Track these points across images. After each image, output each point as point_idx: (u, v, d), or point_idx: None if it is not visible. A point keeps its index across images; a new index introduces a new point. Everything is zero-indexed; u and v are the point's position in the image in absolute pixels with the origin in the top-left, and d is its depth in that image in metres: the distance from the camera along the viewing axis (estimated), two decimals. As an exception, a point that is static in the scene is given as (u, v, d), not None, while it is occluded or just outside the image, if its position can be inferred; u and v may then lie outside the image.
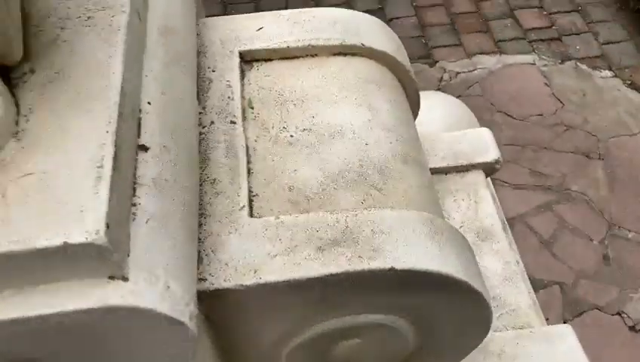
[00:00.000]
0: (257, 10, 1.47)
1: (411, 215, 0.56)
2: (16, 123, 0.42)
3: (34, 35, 0.48)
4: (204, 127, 0.61)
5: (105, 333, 0.40)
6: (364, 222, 0.55)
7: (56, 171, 0.40)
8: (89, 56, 0.47)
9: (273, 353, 0.60)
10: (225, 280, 0.50)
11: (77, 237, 0.36)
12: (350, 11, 0.75)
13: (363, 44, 0.72)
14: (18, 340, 0.39)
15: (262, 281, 0.50)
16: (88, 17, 0.50)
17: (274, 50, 0.70)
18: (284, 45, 0.70)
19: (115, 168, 0.40)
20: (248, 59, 0.70)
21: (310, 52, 0.71)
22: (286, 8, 0.77)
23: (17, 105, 0.43)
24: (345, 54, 0.72)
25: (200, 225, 0.54)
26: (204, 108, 0.63)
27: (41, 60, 0.46)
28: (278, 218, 0.55)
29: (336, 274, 0.52)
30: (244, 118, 0.64)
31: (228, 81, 0.66)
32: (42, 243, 0.36)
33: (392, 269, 0.52)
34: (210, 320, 0.52)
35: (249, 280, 0.50)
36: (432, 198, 0.65)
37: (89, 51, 0.47)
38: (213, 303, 0.51)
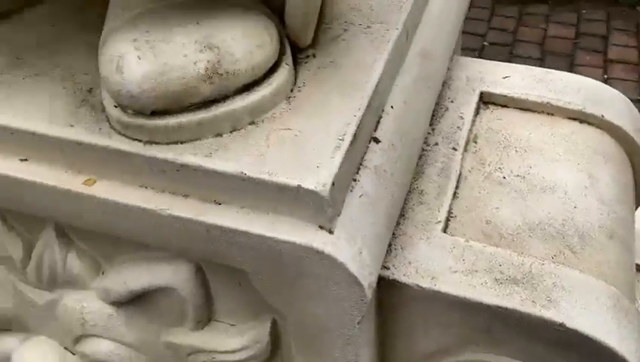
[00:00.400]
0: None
1: (598, 284, 0.56)
2: (291, 90, 0.53)
3: (322, 30, 0.59)
4: (427, 145, 0.68)
5: (300, 269, 0.48)
6: (547, 273, 0.56)
7: (309, 133, 0.49)
8: (359, 56, 0.56)
9: (422, 365, 0.64)
10: (404, 275, 0.56)
11: (308, 184, 0.45)
12: (597, 82, 0.76)
13: (602, 116, 0.72)
14: (238, 250, 0.49)
15: (436, 288, 0.55)
16: (367, 26, 0.60)
17: (512, 99, 0.75)
18: (524, 97, 0.74)
19: (351, 144, 0.49)
20: (486, 101, 0.76)
21: (547, 110, 0.74)
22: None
23: (296, 78, 0.54)
24: (581, 121, 0.73)
25: (398, 223, 0.60)
26: (433, 129, 0.70)
27: (322, 50, 0.57)
28: (468, 241, 0.59)
29: (506, 309, 0.54)
30: (465, 149, 0.69)
31: (462, 113, 0.72)
32: (283, 180, 0.46)
33: (562, 325, 0.53)
34: (381, 307, 0.58)
35: (425, 283, 0.55)
36: (628, 281, 0.63)
37: (360, 52, 0.57)
38: (388, 292, 0.57)
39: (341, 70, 0.55)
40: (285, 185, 0.46)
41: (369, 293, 0.48)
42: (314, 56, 0.57)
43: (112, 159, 0.51)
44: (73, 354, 0.68)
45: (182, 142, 0.49)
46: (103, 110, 0.53)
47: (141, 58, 0.46)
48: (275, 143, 0.49)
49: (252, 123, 0.51)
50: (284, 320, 0.57)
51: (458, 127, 0.71)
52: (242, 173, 0.47)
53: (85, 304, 0.62)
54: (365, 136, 0.53)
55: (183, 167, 0.49)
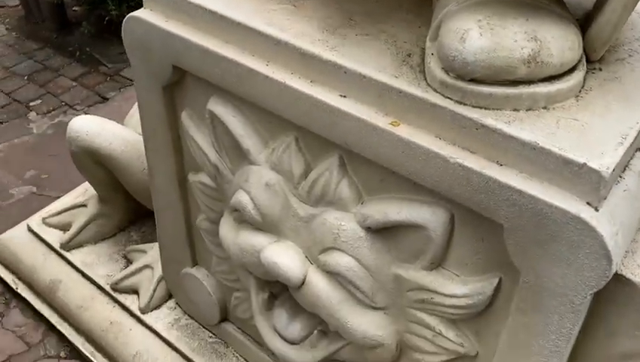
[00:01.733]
0: None
1: None
2: (579, 91, 0.63)
3: (608, 51, 0.68)
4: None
5: (558, 234, 0.57)
6: None
7: (593, 126, 0.59)
8: (641, 79, 0.65)
9: (613, 365, 0.70)
10: (632, 274, 0.63)
11: (593, 164, 0.55)
12: None
13: None
14: (506, 205, 0.60)
15: (659, 292, 0.62)
16: (650, 57, 0.68)
17: None
18: None
19: (630, 145, 0.58)
20: None
21: None
22: None
23: (584, 82, 0.64)
24: None
25: (630, 232, 0.67)
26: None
27: (608, 66, 0.67)
28: (697, 264, 0.64)
29: None
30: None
31: None
32: (570, 156, 0.56)
33: None
34: (597, 297, 0.66)
35: (649, 284, 0.62)
36: None
37: (642, 76, 0.65)
38: (610, 284, 0.64)
39: (624, 86, 0.64)
40: (572, 160, 0.56)
41: (611, 274, 0.57)
42: (600, 69, 0.66)
43: (422, 109, 0.64)
44: (311, 263, 0.83)
45: (485, 108, 0.61)
46: (421, 71, 0.66)
47: (482, 35, 0.58)
48: (564, 127, 0.59)
49: (545, 108, 0.61)
50: (513, 280, 0.66)
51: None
52: (535, 142, 0.57)
53: (343, 223, 0.76)
54: (636, 144, 0.61)
55: (483, 128, 0.60)
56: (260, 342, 1.16)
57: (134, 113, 1.40)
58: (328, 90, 0.71)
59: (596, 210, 0.56)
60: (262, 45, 0.75)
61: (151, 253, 1.33)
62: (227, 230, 0.93)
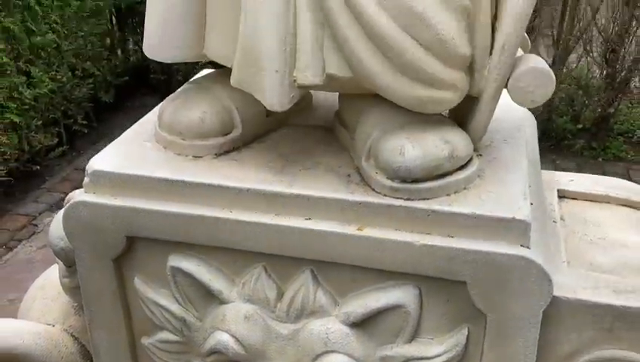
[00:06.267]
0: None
1: (678, 292, 0.87)
2: (478, 176, 0.87)
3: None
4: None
5: (508, 275, 0.78)
6: (644, 287, 0.87)
7: (501, 193, 0.83)
8: (508, 155, 0.92)
9: (560, 368, 0.90)
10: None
11: (520, 216, 0.77)
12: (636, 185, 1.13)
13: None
14: (467, 265, 0.79)
15: (575, 297, 0.85)
16: (504, 140, 0.96)
17: (579, 193, 1.10)
18: (587, 191, 1.10)
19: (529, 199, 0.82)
20: (561, 196, 1.11)
21: (603, 199, 1.10)
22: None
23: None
24: (629, 206, 1.09)
25: (537, 264, 0.91)
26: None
27: (484, 151, 0.92)
28: (587, 272, 0.90)
29: (627, 307, 0.84)
30: (562, 224, 1.03)
31: (551, 203, 1.07)
32: (501, 214, 0.78)
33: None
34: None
35: (568, 295, 0.85)
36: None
37: (508, 152, 0.92)
38: (543, 303, 0.86)
39: (501, 162, 0.90)
40: (503, 217, 0.78)
41: (552, 290, 0.78)
42: (480, 155, 0.92)
43: (379, 211, 0.82)
44: (302, 375, 0.91)
45: (427, 199, 0.81)
46: (365, 184, 0.85)
47: (414, 147, 0.80)
48: (486, 198, 0.82)
49: (465, 188, 0.83)
50: (478, 325, 0.84)
51: (552, 210, 1.05)
52: (474, 212, 0.79)
53: (329, 326, 0.88)
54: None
55: (433, 213, 0.80)
56: None
57: (31, 306, 1.34)
58: (294, 218, 0.85)
59: (528, 248, 0.78)
60: (223, 197, 0.87)
61: None
62: (203, 377, 0.97)
